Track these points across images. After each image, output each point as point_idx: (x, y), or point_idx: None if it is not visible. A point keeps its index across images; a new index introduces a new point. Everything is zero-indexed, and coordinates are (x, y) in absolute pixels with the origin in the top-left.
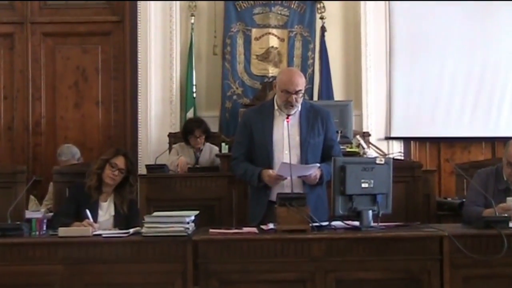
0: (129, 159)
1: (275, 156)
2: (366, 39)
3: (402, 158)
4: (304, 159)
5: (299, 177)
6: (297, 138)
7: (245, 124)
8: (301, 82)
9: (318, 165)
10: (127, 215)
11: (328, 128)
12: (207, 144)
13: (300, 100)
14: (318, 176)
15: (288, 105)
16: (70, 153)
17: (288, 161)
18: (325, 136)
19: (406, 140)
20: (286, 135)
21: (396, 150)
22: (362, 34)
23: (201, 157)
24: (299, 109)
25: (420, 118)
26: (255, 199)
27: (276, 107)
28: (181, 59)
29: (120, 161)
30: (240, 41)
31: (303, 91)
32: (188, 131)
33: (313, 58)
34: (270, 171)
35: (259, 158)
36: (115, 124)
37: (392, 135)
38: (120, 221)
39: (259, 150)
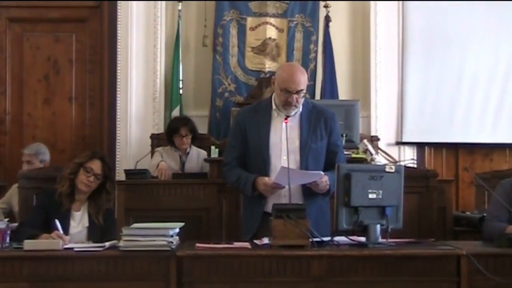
0: (106, 163)
1: (272, 161)
2: (376, 30)
3: (415, 166)
4: (304, 166)
5: (306, 185)
6: (297, 142)
7: (239, 125)
8: (303, 81)
9: (322, 172)
10: (103, 227)
11: (333, 132)
12: (195, 148)
13: (302, 100)
14: (328, 183)
15: (288, 105)
16: (35, 150)
17: (283, 164)
18: (329, 141)
19: (420, 146)
20: (284, 138)
21: (408, 156)
22: (371, 25)
23: (187, 162)
24: (300, 109)
25: (436, 121)
26: (248, 210)
27: (274, 107)
28: (166, 50)
29: (96, 166)
30: (233, 31)
31: (305, 90)
32: (173, 130)
33: (316, 52)
34: (266, 178)
35: (254, 164)
36: (90, 123)
37: (404, 139)
38: (95, 233)
39: (254, 154)
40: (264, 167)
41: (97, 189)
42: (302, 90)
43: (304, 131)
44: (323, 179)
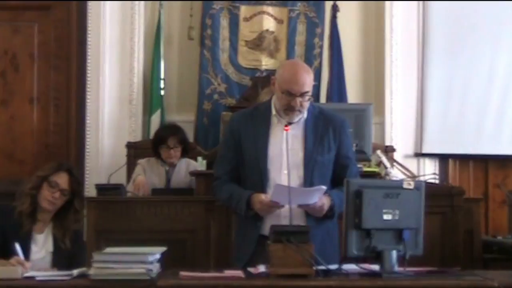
0: (75, 176)
1: (271, 176)
2: (392, 22)
3: (437, 181)
4: (309, 182)
5: (300, 206)
6: (301, 154)
7: (232, 132)
8: (308, 81)
9: (324, 187)
10: (70, 252)
11: (343, 142)
12: (184, 159)
13: (307, 104)
14: (326, 207)
15: (290, 110)
16: None
17: (286, 183)
18: (338, 152)
19: (443, 158)
20: (285, 150)
21: (429, 171)
22: (386, 15)
23: (174, 177)
24: (305, 115)
25: (461, 129)
26: (241, 232)
27: (274, 112)
28: (146, 44)
29: (62, 180)
30: (224, 22)
31: (310, 93)
32: (159, 140)
33: (321, 47)
34: (263, 196)
35: (250, 179)
36: (55, 129)
37: (424, 150)
38: (61, 259)
39: (249, 168)
40: (261, 183)
41: (63, 207)
42: (307, 92)
43: (309, 141)
44: (318, 204)
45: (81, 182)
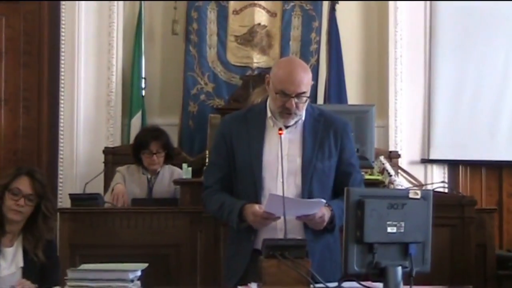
0: (37, 179)
1: (266, 185)
2: (396, 16)
3: (446, 190)
4: (307, 191)
5: (298, 218)
6: (298, 161)
7: (224, 137)
8: (306, 81)
9: (323, 201)
10: (43, 265)
11: (345, 147)
12: (168, 166)
13: (304, 106)
14: (326, 218)
15: (286, 112)
16: None
17: (280, 193)
18: (340, 159)
19: (452, 165)
20: (281, 156)
21: (437, 178)
22: (390, 8)
23: (156, 185)
24: (303, 117)
25: (473, 132)
26: (233, 247)
27: (269, 114)
28: (125, 40)
29: (24, 184)
30: (211, 15)
31: (308, 93)
32: (141, 145)
33: (318, 43)
34: (257, 206)
35: (243, 188)
36: (25, 134)
37: (432, 156)
38: (33, 275)
39: (242, 176)
40: (255, 192)
41: (32, 216)
42: (304, 92)
43: (308, 146)
44: (318, 215)
45: (46, 183)
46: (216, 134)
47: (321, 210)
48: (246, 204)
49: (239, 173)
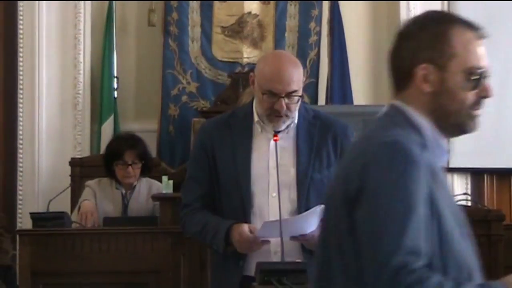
0: None
1: (255, 200)
2: (409, 3)
3: (470, 203)
4: (304, 207)
5: (293, 238)
6: (292, 171)
7: (204, 146)
8: (296, 77)
9: (321, 206)
10: None
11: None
12: (145, 179)
13: (296, 107)
14: None
15: (275, 115)
16: None
17: (274, 208)
18: None
19: (476, 174)
20: (273, 166)
21: (459, 190)
22: None
23: (132, 202)
24: (296, 121)
25: (499, 138)
26: (219, 273)
27: (256, 118)
28: (94, 33)
29: None
30: (194, 4)
31: (300, 92)
32: (113, 154)
33: (319, 34)
34: (246, 226)
35: (228, 205)
36: None
37: (453, 164)
38: None
39: (227, 191)
40: (243, 210)
41: None
42: (295, 91)
43: (303, 154)
44: (316, 233)
45: None
46: (194, 144)
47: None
48: (234, 224)
49: (224, 188)
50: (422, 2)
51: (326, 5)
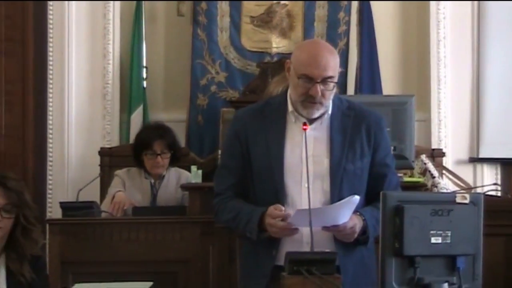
0: (10, 186)
1: (288, 191)
2: None
3: (500, 194)
4: (337, 198)
5: (325, 229)
6: (326, 162)
7: (237, 135)
8: (332, 63)
9: (357, 197)
10: (32, 286)
11: (379, 145)
12: (174, 169)
13: (331, 94)
14: (357, 229)
15: (310, 101)
16: None
17: (307, 205)
18: (373, 159)
19: (506, 164)
20: (305, 156)
21: (489, 180)
22: None
23: (161, 191)
24: (330, 111)
25: None
26: (251, 262)
27: (290, 108)
28: (123, 23)
29: None
30: None
31: (335, 79)
32: (142, 145)
33: (348, 24)
34: (278, 209)
35: (261, 195)
36: (8, 133)
37: (482, 155)
38: None
39: (260, 181)
40: (276, 200)
41: (14, 231)
42: (331, 77)
43: (336, 144)
44: (349, 224)
45: (22, 190)
46: (228, 132)
47: (351, 220)
48: (268, 211)
49: (257, 178)
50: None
51: None
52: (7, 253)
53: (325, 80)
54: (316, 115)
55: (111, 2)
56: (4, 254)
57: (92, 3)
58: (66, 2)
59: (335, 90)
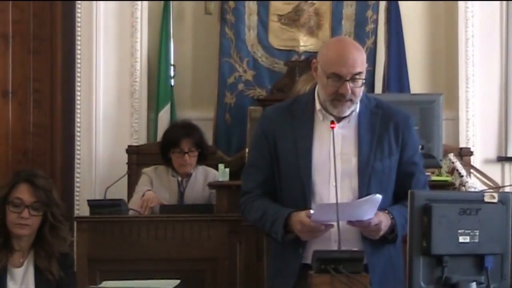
0: (39, 184)
1: (317, 190)
2: None
3: None
4: (365, 195)
5: (350, 223)
6: (354, 160)
7: (265, 134)
8: (360, 61)
9: (379, 196)
10: (59, 283)
11: (407, 144)
12: (201, 167)
13: (360, 91)
14: (383, 226)
15: (339, 99)
16: None
17: (334, 201)
18: (401, 157)
19: None
20: (333, 155)
21: None
22: None
23: (188, 190)
24: (357, 109)
25: None
26: (278, 261)
27: (318, 106)
28: (151, 21)
29: (24, 193)
30: None
31: (363, 75)
32: (170, 143)
33: (376, 22)
34: (303, 213)
35: (289, 194)
36: (36, 131)
37: (511, 154)
38: None
39: (288, 179)
40: (303, 199)
41: (42, 228)
42: (359, 73)
43: (364, 143)
44: (374, 221)
45: (50, 187)
46: (256, 131)
47: (377, 216)
48: (293, 213)
49: (284, 176)
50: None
51: None
52: (35, 250)
53: (354, 77)
54: (347, 113)
55: (139, 2)
56: (32, 252)
57: (120, 2)
58: (95, 2)
59: (363, 86)
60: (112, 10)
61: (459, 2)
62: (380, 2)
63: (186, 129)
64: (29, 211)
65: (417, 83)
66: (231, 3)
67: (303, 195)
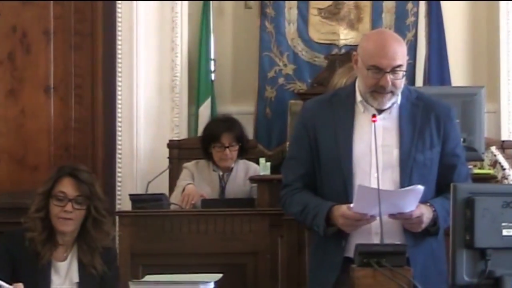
0: (82, 178)
1: (357, 181)
2: None
3: None
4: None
5: (391, 216)
6: (395, 152)
7: (305, 126)
8: (400, 53)
9: (421, 187)
10: (102, 278)
11: (449, 136)
12: (242, 162)
13: (401, 83)
14: (425, 219)
15: (380, 92)
16: None
17: (373, 186)
18: (443, 149)
19: None
20: (374, 147)
21: None
22: None
23: (229, 184)
24: (399, 101)
25: None
26: (320, 255)
27: (359, 98)
28: (191, 16)
29: (67, 187)
30: None
31: (404, 67)
32: (211, 137)
33: (416, 15)
34: (345, 207)
35: (329, 186)
36: (78, 126)
37: None
38: None
39: (329, 171)
40: (344, 190)
41: (85, 222)
42: (400, 66)
43: (406, 134)
44: (415, 213)
45: (93, 182)
46: (296, 123)
47: (419, 209)
48: (335, 206)
49: (325, 168)
50: None
51: None
52: (79, 245)
53: (394, 69)
54: (388, 105)
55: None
56: (76, 246)
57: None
58: (135, 2)
59: (404, 78)
60: (152, 5)
61: None
62: None
63: (226, 123)
64: (72, 205)
65: (458, 76)
66: None
67: (344, 187)
